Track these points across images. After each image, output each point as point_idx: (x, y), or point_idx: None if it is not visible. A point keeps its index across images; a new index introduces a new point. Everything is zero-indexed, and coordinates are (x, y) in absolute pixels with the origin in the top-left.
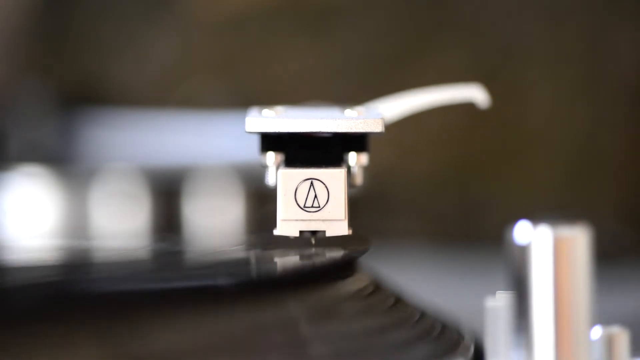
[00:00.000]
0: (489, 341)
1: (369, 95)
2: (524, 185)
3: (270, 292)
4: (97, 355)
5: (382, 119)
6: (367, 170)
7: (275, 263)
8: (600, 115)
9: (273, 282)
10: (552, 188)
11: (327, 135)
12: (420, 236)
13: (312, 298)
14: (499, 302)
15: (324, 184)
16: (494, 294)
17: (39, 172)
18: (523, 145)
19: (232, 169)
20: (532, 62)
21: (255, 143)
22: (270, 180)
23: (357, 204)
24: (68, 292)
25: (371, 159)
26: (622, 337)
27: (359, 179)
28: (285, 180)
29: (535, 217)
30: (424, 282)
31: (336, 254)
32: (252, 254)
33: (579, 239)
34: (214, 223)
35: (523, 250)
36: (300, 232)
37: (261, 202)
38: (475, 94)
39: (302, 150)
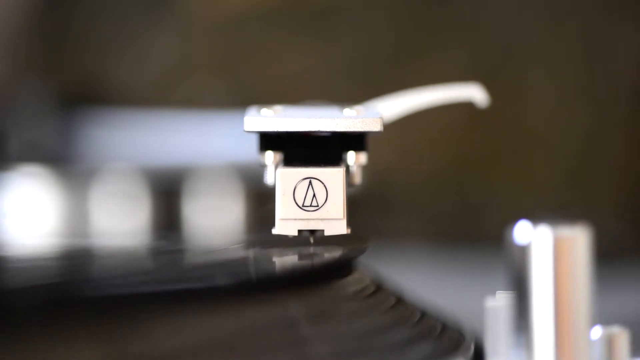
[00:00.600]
0: (489, 341)
1: (368, 95)
2: (524, 185)
3: (269, 291)
4: (97, 355)
5: (381, 118)
6: (366, 169)
7: (274, 262)
8: (600, 115)
9: (272, 281)
10: (552, 188)
11: (325, 134)
12: (420, 236)
13: (311, 298)
14: (499, 302)
15: (323, 183)
16: (494, 294)
17: (39, 172)
18: (523, 145)
19: (232, 168)
20: (532, 62)
21: (254, 142)
22: (269, 179)
23: (357, 204)
24: (68, 292)
25: (371, 159)
26: (622, 337)
27: (357, 178)
28: (284, 180)
29: (535, 217)
30: (424, 282)
31: (335, 253)
32: (251, 254)
33: (579, 239)
34: (213, 223)
35: (523, 250)
36: (299, 231)
37: (261, 201)
38: (474, 93)
39: (301, 149)
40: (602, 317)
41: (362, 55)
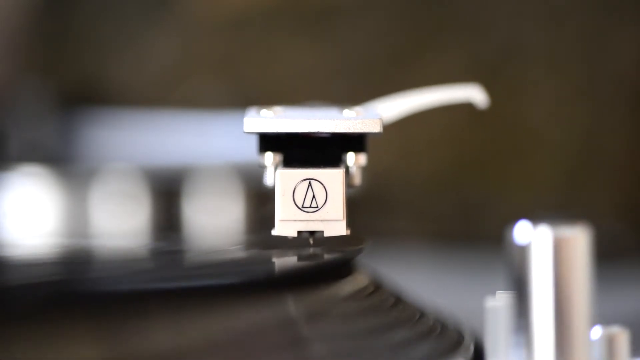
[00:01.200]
0: (489, 341)
1: (368, 95)
2: (524, 185)
3: (269, 292)
4: (96, 355)
5: (381, 119)
6: (366, 170)
7: (274, 263)
8: (600, 115)
9: (272, 282)
10: (552, 188)
11: (325, 135)
12: (420, 236)
13: (311, 298)
14: (499, 302)
15: (322, 184)
16: (494, 294)
17: (39, 172)
18: (523, 145)
19: (232, 168)
20: (532, 62)
21: (254, 143)
22: (268, 180)
23: (357, 205)
24: (68, 292)
25: (371, 160)
26: (622, 337)
27: (357, 179)
28: (284, 181)
29: (535, 217)
30: (424, 282)
31: (334, 254)
32: (251, 254)
33: (579, 239)
34: (213, 223)
35: (523, 250)
36: (299, 232)
37: (260, 202)
38: (474, 94)
39: (301, 150)
40: (602, 317)
41: (362, 55)
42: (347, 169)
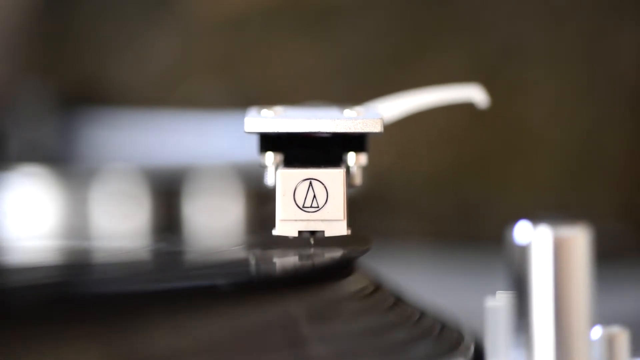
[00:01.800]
0: (489, 341)
1: (369, 95)
2: (524, 185)
3: (270, 292)
4: (96, 355)
5: (381, 119)
6: (367, 170)
7: (275, 263)
8: (600, 115)
9: (272, 282)
10: (552, 188)
11: (326, 135)
12: (421, 236)
13: (311, 298)
14: (499, 302)
15: (323, 184)
16: (494, 294)
17: (39, 172)
18: (523, 145)
19: (232, 168)
20: (532, 62)
21: (254, 143)
22: (269, 180)
23: (357, 204)
24: (68, 293)
25: (371, 159)
26: (622, 337)
27: (358, 179)
28: (284, 181)
29: (535, 217)
30: (424, 282)
31: (335, 254)
32: (252, 254)
33: (579, 239)
34: (213, 223)
35: (523, 250)
36: (299, 232)
37: (261, 202)
38: (474, 94)
39: (301, 150)
40: (602, 317)
41: (362, 55)
42: (347, 168)
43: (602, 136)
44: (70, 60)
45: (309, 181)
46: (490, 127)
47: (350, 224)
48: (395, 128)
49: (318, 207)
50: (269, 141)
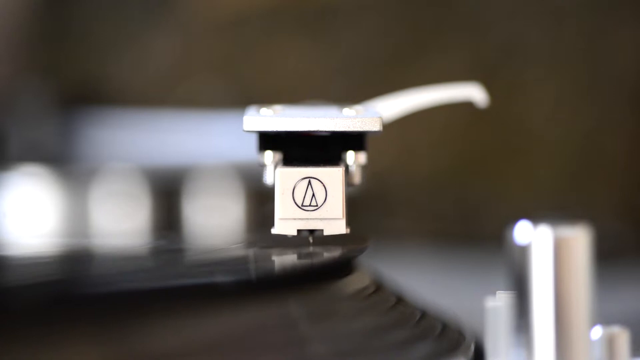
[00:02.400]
0: (489, 341)
1: (368, 94)
2: (524, 185)
3: (269, 291)
4: (97, 354)
5: (380, 118)
6: (366, 169)
7: (274, 262)
8: (600, 115)
9: (272, 281)
10: (552, 188)
11: (325, 134)
12: (420, 236)
13: (311, 297)
14: (499, 302)
15: (322, 183)
16: (494, 294)
17: (39, 172)
18: (523, 145)
19: (232, 168)
20: (532, 62)
21: (254, 142)
22: (268, 179)
23: (357, 203)
24: (68, 292)
25: (370, 158)
26: (622, 337)
27: (357, 178)
28: (283, 179)
29: (535, 217)
30: (424, 281)
31: (334, 253)
32: (251, 253)
33: (579, 239)
34: (213, 222)
35: (523, 250)
36: (298, 230)
37: (260, 201)
38: (473, 93)
39: (300, 149)
40: (602, 317)
41: (362, 55)
42: (346, 167)
43: (602, 136)
44: (70, 60)
45: (308, 180)
46: (490, 127)
47: (349, 223)
48: (395, 127)
49: (317, 205)
50: (268, 140)
